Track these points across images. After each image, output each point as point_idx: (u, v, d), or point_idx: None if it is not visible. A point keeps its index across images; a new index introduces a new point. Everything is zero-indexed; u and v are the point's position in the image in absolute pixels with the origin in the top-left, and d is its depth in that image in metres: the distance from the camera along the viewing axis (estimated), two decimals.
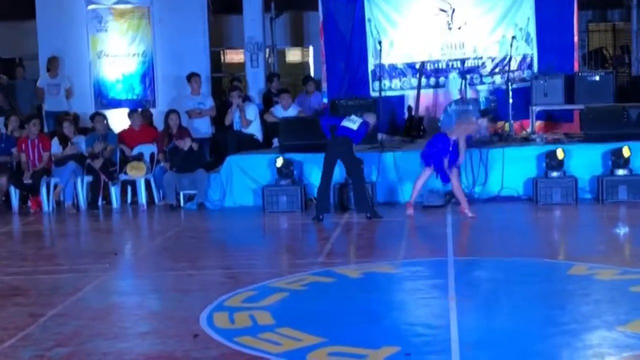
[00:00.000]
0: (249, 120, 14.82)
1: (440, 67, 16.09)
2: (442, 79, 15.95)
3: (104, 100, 17.52)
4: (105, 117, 14.76)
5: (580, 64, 18.05)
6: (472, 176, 12.88)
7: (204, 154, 14.45)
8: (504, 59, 15.69)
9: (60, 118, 15.18)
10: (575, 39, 15.93)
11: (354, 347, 6.08)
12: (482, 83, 15.91)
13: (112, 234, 12.59)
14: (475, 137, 12.86)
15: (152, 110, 16.59)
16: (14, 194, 13.90)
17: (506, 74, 15.12)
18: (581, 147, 13.10)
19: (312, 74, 19.90)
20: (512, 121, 14.42)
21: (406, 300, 7.82)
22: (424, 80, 15.74)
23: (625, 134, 12.89)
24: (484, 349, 6.07)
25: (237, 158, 13.66)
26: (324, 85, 16.48)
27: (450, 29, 16.03)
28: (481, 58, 15.99)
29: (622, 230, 10.85)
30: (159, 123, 15.46)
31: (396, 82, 16.23)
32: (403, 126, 15.66)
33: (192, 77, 15.73)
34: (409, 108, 15.72)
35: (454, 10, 15.97)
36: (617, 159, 12.57)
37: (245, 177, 13.39)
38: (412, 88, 15.89)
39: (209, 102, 15.79)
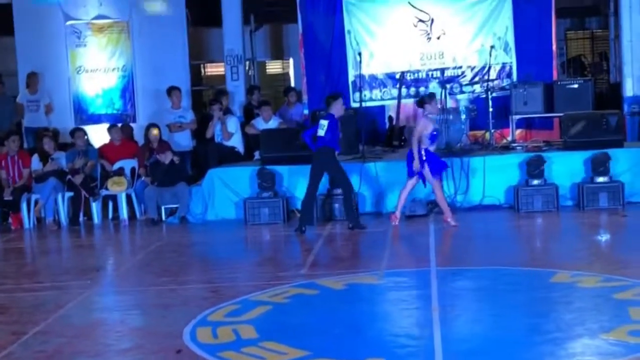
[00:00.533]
0: (231, 132, 14.81)
1: (420, 77, 16.14)
2: (422, 89, 15.97)
3: (83, 115, 17.45)
4: (85, 133, 14.69)
5: (559, 72, 18.17)
6: (453, 185, 12.90)
7: (185, 168, 14.42)
8: (483, 68, 15.74)
9: (40, 134, 15.12)
10: (554, 47, 16.01)
11: None
12: (462, 92, 15.96)
13: (94, 249, 12.53)
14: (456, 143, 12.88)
15: (133, 125, 16.52)
16: None
17: (486, 83, 15.16)
18: (561, 155, 13.15)
19: (292, 86, 19.90)
20: (492, 130, 14.46)
21: (390, 311, 7.82)
22: (404, 90, 15.78)
23: (604, 141, 12.94)
24: (468, 358, 6.08)
25: (218, 171, 13.64)
26: (305, 97, 16.49)
27: (429, 39, 16.09)
28: (461, 67, 16.05)
29: (604, 237, 10.90)
30: (139, 137, 15.41)
31: (376, 93, 16.26)
32: (384, 136, 15.69)
33: (172, 90, 15.70)
34: (390, 118, 15.77)
35: (432, 21, 16.03)
36: (597, 166, 12.61)
37: (227, 190, 13.37)
38: (392, 98, 15.94)
39: (190, 116, 15.77)
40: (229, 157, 14.61)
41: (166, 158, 13.61)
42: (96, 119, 17.35)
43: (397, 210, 11.93)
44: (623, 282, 7.97)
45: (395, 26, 16.14)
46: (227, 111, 15.76)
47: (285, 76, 22.63)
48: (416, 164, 11.53)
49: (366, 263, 9.87)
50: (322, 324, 7.20)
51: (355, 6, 16.24)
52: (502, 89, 15.48)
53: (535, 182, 12.64)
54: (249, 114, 16.34)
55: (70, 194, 13.75)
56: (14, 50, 17.48)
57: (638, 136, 16.03)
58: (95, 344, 6.98)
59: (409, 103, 15.87)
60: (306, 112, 16.20)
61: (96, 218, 13.82)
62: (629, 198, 12.66)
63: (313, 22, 16.35)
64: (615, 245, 10.54)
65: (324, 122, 11.70)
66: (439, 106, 14.29)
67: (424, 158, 11.53)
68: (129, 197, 13.87)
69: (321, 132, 11.69)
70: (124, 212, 13.75)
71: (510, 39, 15.88)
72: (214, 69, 21.91)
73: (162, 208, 13.54)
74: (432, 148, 11.64)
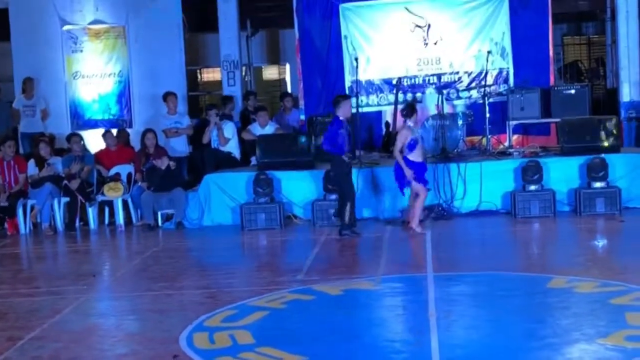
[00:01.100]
0: (227, 138, 14.81)
1: (417, 82, 16.15)
2: (419, 95, 16.00)
3: (80, 120, 17.45)
4: (81, 138, 14.68)
5: (556, 78, 18.20)
6: (450, 191, 12.90)
7: (181, 173, 14.40)
8: (480, 73, 15.75)
9: (36, 139, 15.09)
10: (551, 52, 16.02)
11: None
12: (458, 98, 15.97)
13: (90, 255, 12.51)
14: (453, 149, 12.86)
15: (129, 130, 16.52)
16: None
17: (482, 89, 15.16)
18: (558, 160, 13.15)
19: (289, 91, 19.91)
20: (489, 135, 14.47)
21: (386, 317, 7.80)
22: (401, 95, 15.77)
23: (601, 147, 12.95)
24: None
25: (215, 176, 13.63)
26: (301, 103, 16.49)
27: (426, 44, 16.10)
28: (457, 73, 16.06)
29: (601, 243, 10.90)
30: (135, 143, 15.40)
31: (373, 98, 16.27)
32: (381, 142, 15.69)
33: (167, 96, 15.68)
34: (387, 124, 15.77)
35: (429, 26, 16.04)
36: (594, 172, 12.62)
37: (223, 196, 13.36)
38: (389, 104, 15.94)
39: (186, 121, 15.75)
40: (225, 162, 14.60)
41: (162, 163, 13.60)
42: (92, 124, 17.34)
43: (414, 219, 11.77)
44: (620, 287, 7.96)
45: (392, 31, 16.16)
46: (230, 117, 15.81)
47: (281, 81, 22.65)
48: (408, 172, 11.49)
49: (363, 269, 9.86)
50: (319, 330, 7.19)
51: (351, 11, 16.25)
52: (499, 94, 15.50)
53: (532, 187, 12.64)
54: (245, 120, 16.34)
55: (67, 199, 13.73)
56: (10, 56, 17.48)
57: (635, 141, 16.05)
58: (92, 349, 6.96)
59: None
60: (303, 117, 16.20)
61: (92, 223, 13.80)
62: (625, 203, 12.67)
63: (309, 27, 16.37)
64: (612, 251, 10.53)
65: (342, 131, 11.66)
66: (436, 112, 14.38)
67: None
68: (125, 203, 13.85)
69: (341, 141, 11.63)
70: (120, 218, 13.72)
71: (507, 44, 15.90)
72: (210, 75, 21.95)
73: (159, 213, 13.52)
74: (412, 157, 11.57)
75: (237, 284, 9.31)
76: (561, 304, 7.61)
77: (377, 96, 16.26)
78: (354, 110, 14.73)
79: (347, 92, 15.85)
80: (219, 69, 18.18)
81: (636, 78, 16.36)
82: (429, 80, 16.12)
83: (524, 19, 15.86)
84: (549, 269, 9.22)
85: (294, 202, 13.26)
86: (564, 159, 13.13)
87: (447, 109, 15.12)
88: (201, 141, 15.17)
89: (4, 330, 7.58)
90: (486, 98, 14.71)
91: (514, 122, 14.99)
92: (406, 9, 16.08)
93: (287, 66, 21.72)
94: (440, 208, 12.73)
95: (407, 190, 11.83)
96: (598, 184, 12.60)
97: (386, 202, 12.80)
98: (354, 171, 12.85)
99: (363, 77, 15.93)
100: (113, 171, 14.39)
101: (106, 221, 14.11)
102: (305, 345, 6.66)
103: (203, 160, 15.07)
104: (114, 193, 13.84)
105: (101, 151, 14.94)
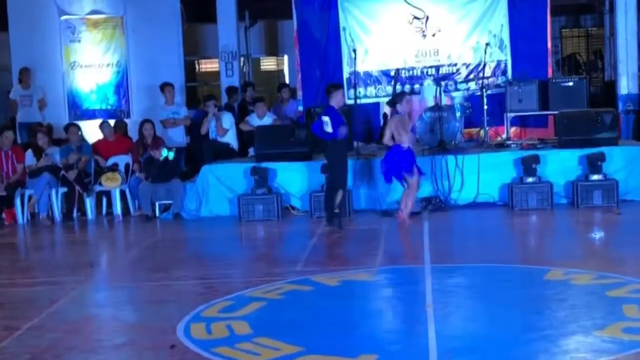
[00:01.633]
0: (225, 129, 14.80)
1: (415, 74, 16.13)
2: (417, 86, 16.00)
3: (78, 111, 17.43)
4: (79, 128, 14.68)
5: (554, 70, 18.20)
6: (448, 183, 12.90)
7: (179, 164, 14.39)
8: (478, 65, 15.75)
9: (34, 129, 15.07)
10: (549, 45, 16.02)
11: (331, 356, 6.07)
12: (456, 90, 15.96)
13: (87, 245, 12.51)
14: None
15: (127, 121, 16.51)
16: None
17: (480, 81, 15.16)
18: (556, 153, 13.15)
19: (287, 82, 19.89)
20: (487, 127, 14.47)
21: (384, 308, 7.81)
22: (398, 87, 15.74)
23: (599, 139, 12.95)
24: (462, 356, 6.08)
25: (212, 167, 13.62)
26: (300, 94, 16.48)
27: (424, 36, 16.08)
28: (455, 65, 16.05)
29: (598, 235, 10.91)
30: (133, 133, 15.40)
31: (371, 90, 16.26)
32: (378, 133, 15.67)
33: (165, 87, 15.67)
34: (385, 115, 15.73)
35: (427, 18, 16.03)
36: (592, 164, 12.63)
37: (221, 187, 13.35)
38: (387, 95, 15.86)
39: (183, 112, 15.74)
40: (223, 153, 14.60)
41: (160, 154, 13.59)
42: (90, 115, 17.32)
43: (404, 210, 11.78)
44: (617, 280, 7.97)
45: (390, 23, 16.14)
46: (233, 109, 15.82)
47: (280, 73, 22.62)
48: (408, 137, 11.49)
49: (360, 260, 9.85)
50: (316, 321, 7.20)
51: (350, 3, 16.23)
52: (497, 86, 15.50)
53: (530, 179, 12.64)
54: (243, 111, 16.33)
55: (64, 189, 13.73)
56: (8, 46, 17.44)
57: (633, 134, 16.06)
58: (89, 339, 6.97)
59: None
60: (301, 108, 16.19)
61: (90, 214, 13.81)
62: (623, 196, 12.68)
63: (308, 18, 16.35)
64: (609, 243, 10.54)
65: (326, 119, 11.60)
66: (433, 103, 14.36)
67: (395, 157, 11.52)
68: (122, 193, 13.85)
69: (328, 129, 11.58)
70: (117, 208, 13.72)
71: (506, 36, 15.88)
72: (208, 65, 21.91)
73: (156, 204, 13.53)
74: (405, 145, 11.55)
75: (234, 274, 9.32)
76: (558, 296, 7.61)
77: (375, 88, 16.25)
78: (351, 102, 14.83)
79: (344, 83, 15.84)
80: (217, 59, 18.16)
81: (634, 71, 16.36)
82: (427, 72, 16.11)
83: (523, 11, 15.84)
84: (546, 261, 9.23)
85: (292, 194, 13.26)
86: (562, 151, 13.13)
87: (445, 100, 15.12)
88: (199, 132, 15.17)
89: (1, 320, 7.59)
90: (484, 90, 14.70)
91: (512, 114, 14.99)
92: (405, 0, 16.05)
93: (286, 57, 21.68)
94: (437, 200, 12.73)
95: (396, 183, 11.78)
96: (595, 177, 12.60)
97: (383, 193, 12.78)
98: (351, 162, 12.86)
99: (361, 68, 15.91)
100: (111, 161, 14.39)
101: (104, 211, 14.12)
102: (303, 335, 6.67)
103: (201, 151, 15.07)
104: (111, 183, 13.84)
105: (99, 141, 14.93)
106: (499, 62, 15.91)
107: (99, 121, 15.85)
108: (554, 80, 15.20)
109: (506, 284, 8.20)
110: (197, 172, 13.71)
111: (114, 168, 14.17)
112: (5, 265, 10.54)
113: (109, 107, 17.46)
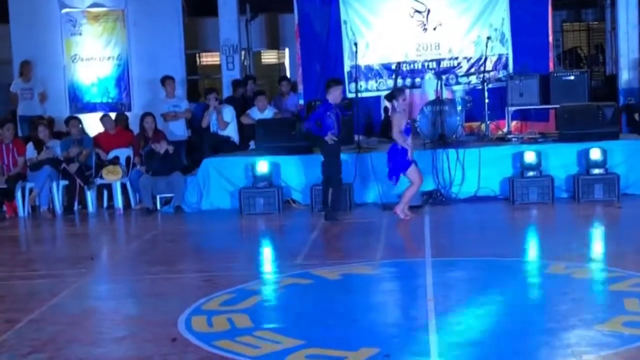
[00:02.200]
0: (227, 122, 14.80)
1: (416, 67, 16.13)
2: (418, 80, 15.99)
3: (79, 104, 17.44)
4: (80, 121, 14.68)
5: (555, 64, 18.17)
6: (449, 176, 12.89)
7: (180, 157, 14.39)
8: (480, 59, 15.74)
9: (35, 122, 15.07)
10: (550, 38, 16.00)
11: (332, 349, 6.07)
12: (457, 83, 15.96)
13: (88, 238, 12.51)
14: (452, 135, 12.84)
15: (128, 114, 16.49)
16: None
17: (482, 74, 15.15)
18: (557, 147, 13.14)
19: (288, 76, 19.88)
20: (488, 121, 14.46)
21: (385, 302, 7.81)
22: (400, 81, 15.74)
23: (600, 133, 12.94)
24: (463, 349, 6.08)
25: (213, 161, 13.62)
26: (300, 87, 16.48)
27: (425, 29, 16.08)
28: (457, 58, 16.04)
29: (599, 229, 10.89)
30: (134, 126, 15.39)
31: (372, 83, 16.26)
32: (380, 127, 15.67)
33: (165, 80, 15.66)
34: (386, 109, 15.71)
35: (429, 11, 16.02)
36: (592, 158, 12.61)
37: (222, 180, 13.35)
38: (388, 89, 15.82)
39: (184, 105, 15.74)
40: (224, 146, 14.59)
41: (161, 147, 13.59)
42: (91, 108, 17.33)
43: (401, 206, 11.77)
44: (618, 274, 7.97)
45: (392, 17, 16.13)
46: (235, 101, 15.84)
47: (280, 66, 22.61)
48: (408, 143, 11.45)
49: (361, 253, 9.85)
50: (317, 314, 7.20)
51: None
52: (498, 80, 15.50)
53: (531, 173, 12.64)
54: (244, 104, 16.31)
55: (65, 182, 13.73)
56: (9, 39, 17.43)
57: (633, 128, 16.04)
58: (90, 332, 6.97)
59: None
60: (301, 102, 16.19)
61: (91, 207, 13.81)
62: (624, 190, 12.67)
63: (309, 12, 16.34)
64: (611, 237, 10.53)
65: (330, 113, 11.63)
66: (435, 97, 14.34)
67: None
68: (123, 186, 13.84)
69: (329, 122, 11.60)
70: (118, 201, 13.72)
71: (507, 30, 15.88)
72: (209, 59, 21.90)
73: (157, 197, 13.52)
74: (409, 142, 11.53)
75: (235, 267, 9.31)
76: (559, 289, 7.61)
77: (376, 81, 16.25)
78: (352, 95, 14.82)
79: (345, 77, 15.84)
80: (218, 53, 18.14)
81: (635, 65, 16.35)
82: (428, 65, 16.10)
83: (524, 5, 15.84)
84: (547, 255, 9.24)
85: (293, 187, 13.26)
86: (563, 145, 13.12)
87: (446, 94, 15.08)
88: (200, 125, 15.17)
89: (2, 313, 7.59)
90: (485, 84, 14.70)
91: (513, 108, 14.98)
92: None
93: (287, 51, 21.68)
94: (438, 194, 12.73)
95: (401, 178, 11.74)
96: (596, 171, 12.59)
97: (384, 187, 12.77)
98: (352, 156, 12.88)
99: (362, 62, 15.90)
100: (112, 155, 14.39)
101: (105, 205, 14.12)
102: (304, 329, 6.68)
103: (202, 144, 15.07)
104: (112, 176, 13.84)
105: (100, 134, 14.93)
106: (500, 56, 15.90)
107: (99, 114, 15.86)
108: (555, 74, 15.20)
109: (507, 277, 8.20)
110: (198, 165, 13.71)
111: (115, 161, 14.16)
112: (6, 258, 10.53)
113: (110, 100, 17.46)
